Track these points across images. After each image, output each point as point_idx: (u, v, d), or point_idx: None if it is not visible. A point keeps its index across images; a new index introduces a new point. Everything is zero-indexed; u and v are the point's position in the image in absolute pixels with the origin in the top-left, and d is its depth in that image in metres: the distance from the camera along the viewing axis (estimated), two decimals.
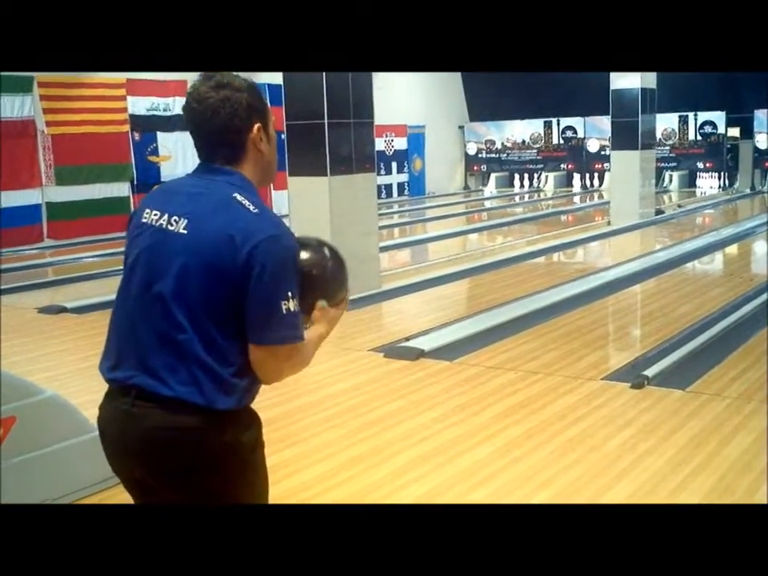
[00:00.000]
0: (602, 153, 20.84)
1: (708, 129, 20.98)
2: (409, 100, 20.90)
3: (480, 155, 23.25)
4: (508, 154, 22.97)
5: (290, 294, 1.89)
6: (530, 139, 22.74)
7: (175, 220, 1.94)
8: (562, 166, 22.34)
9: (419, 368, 5.64)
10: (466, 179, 23.50)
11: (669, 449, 4.14)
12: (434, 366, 5.65)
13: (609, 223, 14.19)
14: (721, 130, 20.82)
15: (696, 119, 21.08)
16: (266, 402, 5.01)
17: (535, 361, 5.73)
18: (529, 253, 11.03)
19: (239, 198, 1.93)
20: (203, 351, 1.88)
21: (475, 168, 23.37)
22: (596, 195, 20.39)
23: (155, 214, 1.98)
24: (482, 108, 22.77)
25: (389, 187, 20.37)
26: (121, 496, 3.73)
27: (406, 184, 21.02)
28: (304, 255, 2.05)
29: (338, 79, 7.79)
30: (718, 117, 20.76)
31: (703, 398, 4.87)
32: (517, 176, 22.85)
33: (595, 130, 21.51)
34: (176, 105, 15.50)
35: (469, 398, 5.03)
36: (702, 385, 5.12)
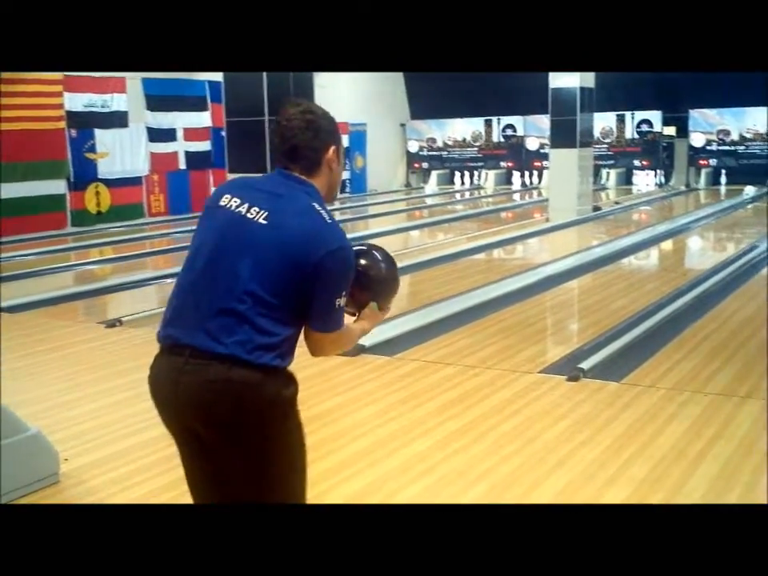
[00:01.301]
0: (541, 151, 21.09)
1: (645, 127, 21.36)
2: (350, 98, 20.89)
3: (421, 153, 23.35)
4: (449, 152, 23.11)
5: (343, 293, 2.25)
6: (471, 137, 22.90)
7: (255, 210, 2.22)
8: (502, 163, 22.54)
9: (359, 364, 5.65)
10: (407, 177, 23.58)
11: (604, 439, 4.22)
12: (374, 362, 5.67)
13: (547, 220, 14.37)
14: (657, 128, 21.22)
15: (633, 118, 21.44)
16: None
17: (474, 355, 5.78)
18: (469, 249, 11.11)
19: (317, 207, 2.24)
20: (259, 319, 2.15)
21: (417, 165, 23.47)
22: (535, 192, 20.61)
23: (235, 201, 2.26)
24: (423, 106, 22.87)
25: None
26: (56, 497, 3.70)
27: (348, 181, 21.02)
28: (365, 261, 2.44)
29: (279, 76, 7.75)
30: (655, 116, 21.16)
31: (637, 390, 4.96)
32: (458, 173, 23.00)
33: (535, 129, 21.76)
34: (114, 101, 15.29)
35: (408, 392, 5.05)
36: (636, 377, 5.21)
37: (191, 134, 16.79)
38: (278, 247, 2.17)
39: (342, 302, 2.25)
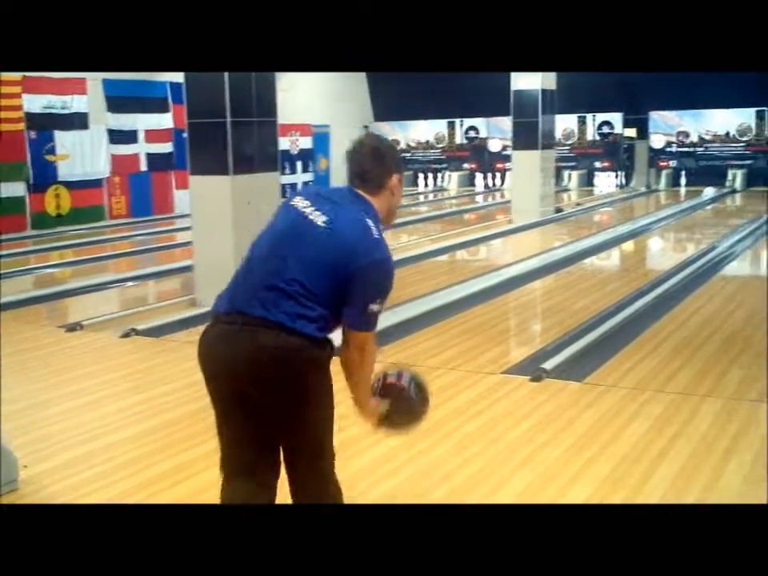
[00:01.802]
0: (504, 152, 21.17)
1: (606, 129, 21.57)
2: (314, 99, 20.86)
3: None
4: (413, 154, 23.15)
5: (378, 300, 2.58)
6: (434, 139, 22.96)
7: (317, 214, 2.60)
8: (465, 165, 22.61)
9: None
10: None
11: (566, 439, 4.25)
12: (334, 365, 5.64)
13: (510, 221, 14.44)
14: (618, 130, 21.44)
15: (594, 120, 21.64)
16: (171, 404, 4.95)
17: (437, 356, 5.80)
18: (432, 251, 11.14)
19: (370, 223, 2.60)
20: (303, 298, 2.52)
21: None
22: (498, 194, 20.71)
23: (304, 203, 2.65)
24: (386, 108, 22.89)
25: (294, 186, 20.27)
26: (15, 504, 3.64)
27: (312, 183, 20.98)
28: (408, 386, 2.86)
29: (241, 77, 7.71)
30: (615, 117, 21.37)
31: (599, 390, 5.00)
32: (421, 175, 23.04)
33: (497, 130, 21.85)
34: (74, 103, 15.12)
35: None
36: (598, 376, 5.26)
37: (153, 135, 16.65)
38: (326, 249, 2.55)
39: (375, 307, 2.57)
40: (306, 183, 20.80)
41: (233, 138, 7.74)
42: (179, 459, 4.12)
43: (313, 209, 2.61)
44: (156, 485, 3.82)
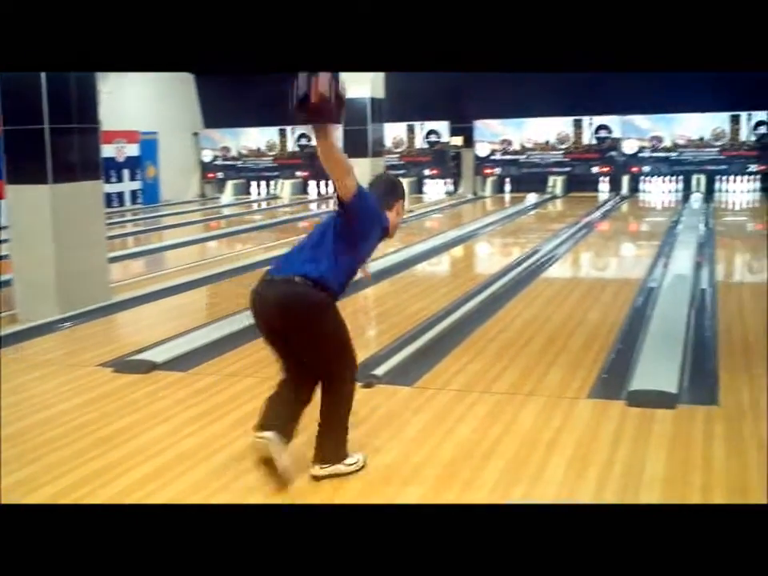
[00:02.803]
0: None
1: (433, 137, 22.10)
2: (140, 105, 20.33)
3: (216, 162, 23.07)
4: (244, 162, 22.97)
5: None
6: (266, 146, 22.87)
7: None
8: (298, 173, 22.63)
9: (151, 381, 5.49)
10: (202, 187, 23.21)
11: (398, 444, 4.32)
12: (166, 378, 5.53)
13: None
14: (445, 138, 22.01)
15: (422, 128, 22.14)
16: None
17: (272, 366, 5.69)
18: (267, 259, 11.02)
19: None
20: (313, 253, 3.77)
21: (211, 175, 23.16)
22: (331, 202, 20.81)
23: None
24: (216, 115, 22.60)
25: (120, 195, 19.68)
26: None
27: (139, 192, 20.42)
28: None
29: (59, 81, 7.44)
30: (442, 126, 21.94)
31: (429, 393, 5.12)
32: (254, 183, 22.88)
33: None
34: None
35: (205, 407, 4.97)
36: (427, 380, 5.38)
37: None
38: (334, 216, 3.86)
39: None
40: (133, 191, 20.24)
41: (52, 146, 7.46)
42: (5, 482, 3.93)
43: None
44: None
